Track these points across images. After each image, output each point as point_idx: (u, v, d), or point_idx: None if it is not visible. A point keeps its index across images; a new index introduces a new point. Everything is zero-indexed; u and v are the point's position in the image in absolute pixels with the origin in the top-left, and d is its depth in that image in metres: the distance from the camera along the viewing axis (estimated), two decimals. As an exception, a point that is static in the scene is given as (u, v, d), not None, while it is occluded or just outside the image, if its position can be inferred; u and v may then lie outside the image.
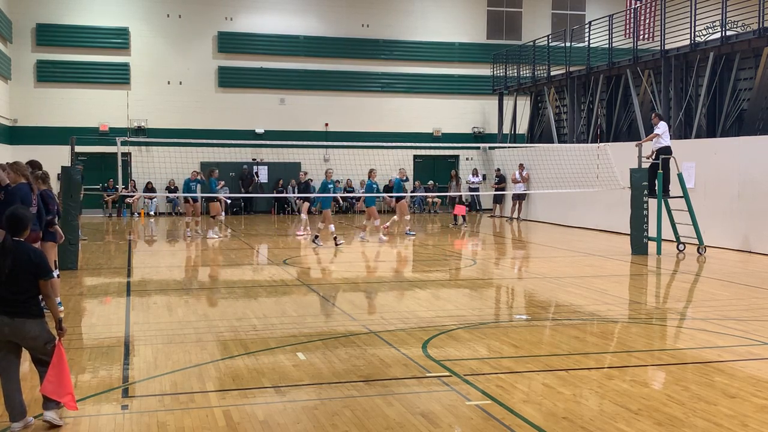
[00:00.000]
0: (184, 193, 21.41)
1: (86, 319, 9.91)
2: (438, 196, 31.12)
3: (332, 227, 18.76)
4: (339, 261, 16.45)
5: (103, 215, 29.02)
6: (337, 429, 5.68)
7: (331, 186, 19.15)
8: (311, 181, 29.60)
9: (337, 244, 18.11)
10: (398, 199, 21.35)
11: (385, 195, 21.20)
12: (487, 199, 31.66)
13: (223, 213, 21.40)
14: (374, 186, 20.07)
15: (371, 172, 20.11)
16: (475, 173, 29.64)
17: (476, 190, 29.33)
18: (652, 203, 16.84)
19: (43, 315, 5.74)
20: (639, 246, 16.57)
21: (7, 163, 10.03)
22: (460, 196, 25.31)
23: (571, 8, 34.50)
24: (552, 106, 28.52)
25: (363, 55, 32.05)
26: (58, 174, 14.56)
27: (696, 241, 16.45)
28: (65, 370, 5.72)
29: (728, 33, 19.78)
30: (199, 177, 21.83)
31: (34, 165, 10.59)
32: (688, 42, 20.49)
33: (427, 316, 10.03)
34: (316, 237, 18.40)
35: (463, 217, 25.39)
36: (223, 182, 21.27)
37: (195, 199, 21.84)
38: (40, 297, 5.74)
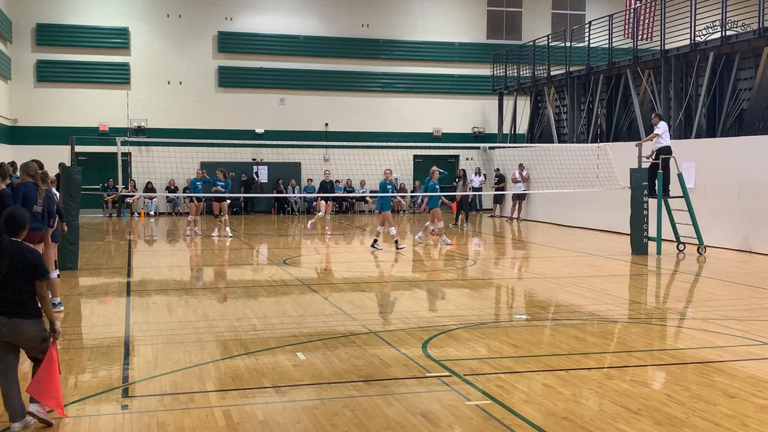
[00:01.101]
0: (190, 192, 21.37)
1: (86, 319, 9.91)
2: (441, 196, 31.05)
3: (393, 230, 17.75)
4: (339, 261, 16.45)
5: (103, 215, 29.02)
6: (337, 429, 5.68)
7: (390, 186, 18.02)
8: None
9: (398, 248, 17.29)
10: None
11: (443, 194, 20.35)
12: (487, 199, 31.68)
13: (225, 214, 21.37)
14: (437, 187, 19.11)
15: (433, 173, 19.15)
16: (478, 173, 29.58)
17: (479, 189, 29.20)
18: (652, 203, 16.84)
19: (40, 315, 5.72)
20: (639, 246, 16.57)
21: (10, 162, 10.05)
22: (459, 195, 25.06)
23: (571, 8, 34.50)
24: (552, 106, 28.53)
25: (363, 55, 32.05)
26: (57, 174, 14.53)
27: (696, 241, 16.46)
28: (55, 374, 5.68)
29: (728, 33, 19.78)
30: (204, 176, 21.85)
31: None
32: (688, 42, 20.49)
33: (427, 316, 10.03)
34: (375, 241, 17.60)
35: (467, 216, 25.36)
36: (220, 186, 21.18)
37: (199, 199, 21.87)
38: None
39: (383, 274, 14.49)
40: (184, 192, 24.45)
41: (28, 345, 5.68)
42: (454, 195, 23.95)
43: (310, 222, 21.77)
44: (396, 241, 17.58)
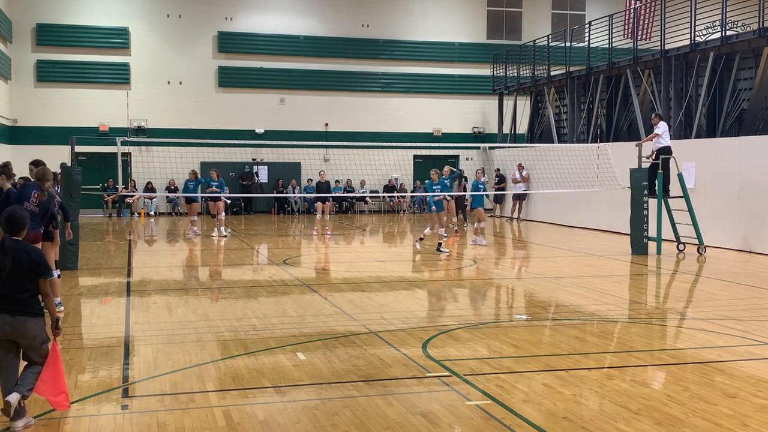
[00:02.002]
0: (182, 193, 21.38)
1: (86, 319, 9.91)
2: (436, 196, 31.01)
3: (429, 231, 17.62)
4: (339, 261, 16.45)
5: (103, 215, 29.02)
6: (337, 429, 5.68)
7: (438, 187, 17.37)
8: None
9: (418, 246, 17.15)
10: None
11: (441, 194, 20.13)
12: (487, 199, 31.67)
13: (220, 213, 21.38)
14: (481, 186, 18.86)
15: (478, 172, 19.14)
16: (482, 173, 29.42)
17: (483, 190, 28.98)
18: (652, 203, 16.84)
19: (43, 314, 5.75)
20: (639, 246, 16.57)
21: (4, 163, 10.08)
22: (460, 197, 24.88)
23: (571, 8, 34.51)
24: (552, 106, 28.53)
25: (363, 55, 32.05)
26: (57, 173, 14.53)
27: (696, 241, 16.46)
28: (59, 370, 5.74)
29: (728, 33, 19.78)
30: (197, 177, 21.84)
31: (38, 165, 10.62)
32: (688, 42, 20.49)
33: (427, 316, 10.03)
34: (439, 245, 17.20)
35: (465, 216, 25.34)
36: (214, 186, 21.18)
37: (193, 200, 21.83)
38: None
39: (383, 274, 14.47)
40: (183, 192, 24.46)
41: (29, 344, 5.69)
42: (453, 195, 23.82)
43: (315, 229, 21.69)
44: (420, 239, 17.45)
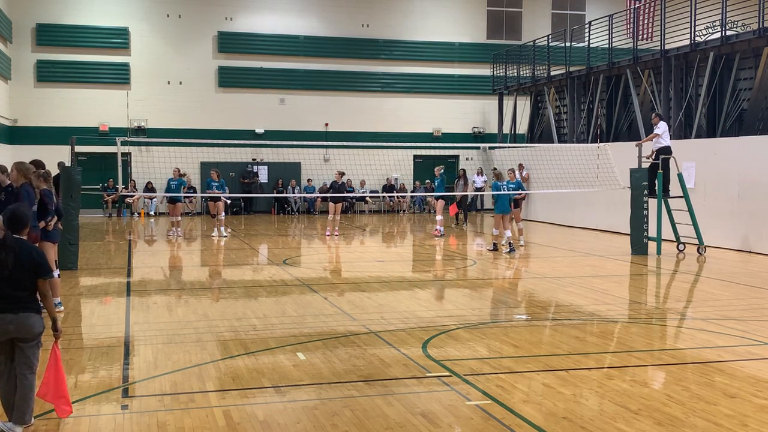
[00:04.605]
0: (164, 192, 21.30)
1: (86, 319, 9.91)
2: (439, 196, 30.96)
3: (509, 233, 17.19)
4: (339, 261, 16.45)
5: (103, 215, 29.01)
6: (337, 429, 5.68)
7: (501, 186, 17.04)
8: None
9: (506, 251, 16.76)
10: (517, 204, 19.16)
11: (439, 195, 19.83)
12: (487, 198, 31.65)
13: (220, 213, 21.32)
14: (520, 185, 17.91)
15: (513, 171, 18.48)
16: (480, 173, 29.48)
17: (481, 190, 29.00)
18: (652, 203, 16.85)
19: (41, 312, 5.72)
20: (639, 246, 16.57)
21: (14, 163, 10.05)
22: (458, 196, 24.75)
23: (571, 8, 34.50)
24: (552, 106, 28.53)
25: (363, 55, 32.05)
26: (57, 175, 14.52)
27: (696, 241, 16.46)
28: (60, 373, 5.72)
29: (728, 33, 19.78)
30: (180, 176, 21.79)
31: (38, 165, 10.62)
32: (688, 42, 20.50)
33: (427, 316, 10.03)
34: (510, 246, 16.98)
35: (465, 215, 25.36)
36: (214, 186, 21.13)
37: (175, 200, 21.73)
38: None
39: (383, 274, 14.47)
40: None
41: (29, 341, 5.61)
42: (455, 195, 23.95)
43: (328, 230, 21.26)
44: (495, 245, 16.99)
